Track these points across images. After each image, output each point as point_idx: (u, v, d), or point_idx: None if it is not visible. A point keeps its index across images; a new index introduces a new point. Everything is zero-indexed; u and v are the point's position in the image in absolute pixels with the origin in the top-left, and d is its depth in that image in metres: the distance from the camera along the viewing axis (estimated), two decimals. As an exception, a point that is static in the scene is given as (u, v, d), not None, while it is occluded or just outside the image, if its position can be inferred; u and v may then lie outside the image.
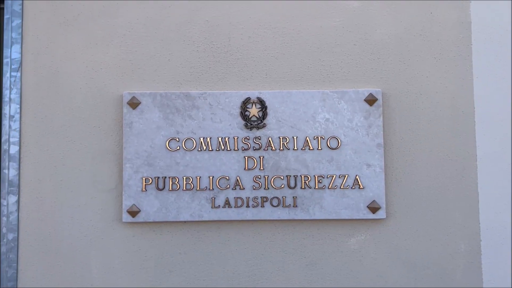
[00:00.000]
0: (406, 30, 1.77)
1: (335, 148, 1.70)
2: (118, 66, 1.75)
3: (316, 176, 1.69)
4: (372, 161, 1.69)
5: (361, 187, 1.69)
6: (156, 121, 1.72)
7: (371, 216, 1.69)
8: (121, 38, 1.76)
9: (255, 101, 1.72)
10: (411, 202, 1.72)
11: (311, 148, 1.70)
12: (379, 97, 1.71)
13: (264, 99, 1.72)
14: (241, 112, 1.72)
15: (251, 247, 1.71)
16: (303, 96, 1.72)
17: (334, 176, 1.69)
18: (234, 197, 1.69)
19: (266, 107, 1.72)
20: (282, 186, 1.70)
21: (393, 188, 1.72)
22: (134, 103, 1.71)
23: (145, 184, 1.69)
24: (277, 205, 1.69)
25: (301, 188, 1.69)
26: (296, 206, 1.69)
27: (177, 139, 1.71)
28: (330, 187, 1.69)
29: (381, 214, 1.69)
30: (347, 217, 1.69)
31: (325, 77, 1.75)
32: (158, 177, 1.70)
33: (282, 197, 1.69)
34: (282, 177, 1.70)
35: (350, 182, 1.69)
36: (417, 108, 1.75)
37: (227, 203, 1.69)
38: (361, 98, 1.72)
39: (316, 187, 1.69)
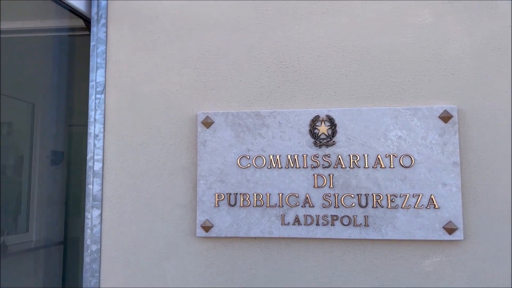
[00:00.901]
0: (482, 45, 1.71)
1: (408, 167, 1.66)
2: (193, 88, 1.84)
3: (389, 195, 1.66)
4: (448, 180, 1.63)
5: (437, 206, 1.63)
6: (228, 139, 1.78)
7: (447, 237, 1.62)
8: (195, 61, 1.85)
9: (324, 119, 1.73)
10: (490, 223, 1.64)
11: (383, 166, 1.68)
12: (454, 113, 1.66)
13: (334, 117, 1.73)
14: (310, 130, 1.74)
15: (321, 265, 1.71)
16: (374, 113, 1.71)
17: (408, 195, 1.65)
18: (304, 215, 1.70)
19: (335, 125, 1.72)
20: (353, 204, 1.68)
21: (471, 208, 1.65)
22: (207, 122, 1.79)
23: (217, 200, 1.75)
24: (348, 224, 1.68)
25: (372, 207, 1.67)
26: (368, 225, 1.67)
27: (248, 157, 1.76)
28: (403, 206, 1.65)
29: (458, 235, 1.62)
30: (421, 238, 1.63)
31: (396, 94, 1.72)
32: (230, 194, 1.75)
33: (353, 216, 1.68)
34: (352, 195, 1.69)
35: (425, 201, 1.64)
36: (495, 124, 1.67)
37: (296, 221, 1.70)
38: (435, 115, 1.67)
39: (389, 207, 1.66)
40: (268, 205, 1.73)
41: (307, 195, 1.71)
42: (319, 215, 1.69)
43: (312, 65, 1.79)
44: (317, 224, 1.69)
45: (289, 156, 1.74)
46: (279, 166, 1.74)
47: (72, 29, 2.23)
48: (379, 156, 1.68)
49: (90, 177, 1.85)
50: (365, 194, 1.68)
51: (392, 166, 1.67)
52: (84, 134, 1.89)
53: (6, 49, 2.67)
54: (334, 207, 1.69)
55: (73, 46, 2.31)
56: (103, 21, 1.93)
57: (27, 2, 2.18)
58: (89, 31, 1.96)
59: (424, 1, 1.76)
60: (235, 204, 1.74)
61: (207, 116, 1.80)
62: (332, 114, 1.73)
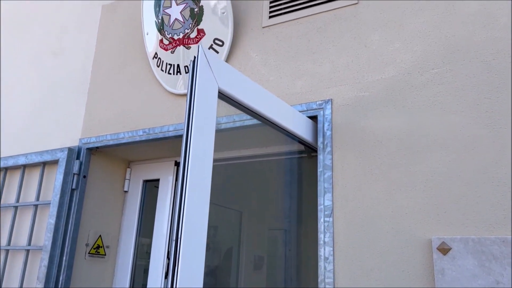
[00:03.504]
0: None
1: None
2: (423, 211, 1.80)
3: None
4: None
5: None
6: (471, 268, 1.63)
7: None
8: (423, 183, 1.83)
9: None
10: None
11: None
12: None
13: None
14: None
15: None
16: None
17: None
18: None
19: None
20: None
21: None
22: (444, 249, 1.69)
23: None
24: None
25: None
26: None
27: (498, 290, 1.56)
28: None
29: None
30: None
31: None
32: (480, 333, 1.55)
33: None
34: None
35: None
36: None
37: None
38: None
39: None
40: None
41: None
42: None
43: None
44: None
45: (554, 293, 1.48)
46: (542, 305, 1.49)
47: (293, 152, 2.49)
48: None
49: (321, 300, 1.90)
50: None
51: None
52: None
53: (229, 171, 3.11)
54: None
55: (287, 168, 2.55)
56: (328, 149, 2.10)
57: (257, 134, 2.55)
58: (305, 153, 2.16)
59: None
60: None
61: (443, 242, 1.70)
62: None
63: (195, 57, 1.60)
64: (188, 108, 1.59)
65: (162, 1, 2.65)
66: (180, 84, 2.62)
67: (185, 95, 2.60)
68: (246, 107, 1.82)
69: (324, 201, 2.04)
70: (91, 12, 3.22)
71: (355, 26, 2.19)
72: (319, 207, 2.04)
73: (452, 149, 1.81)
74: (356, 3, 2.22)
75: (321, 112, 2.17)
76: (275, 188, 2.98)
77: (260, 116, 1.91)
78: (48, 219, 2.65)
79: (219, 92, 1.67)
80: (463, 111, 1.83)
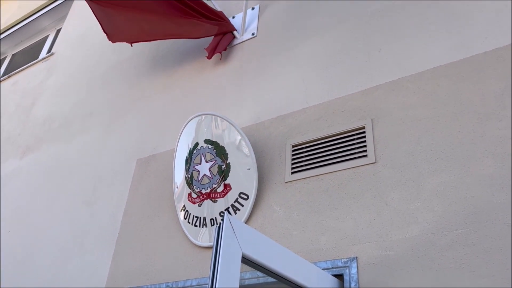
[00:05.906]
0: None
1: None
2: None
3: None
4: None
5: None
6: None
7: None
8: None
9: None
10: None
11: None
12: None
13: None
14: None
15: None
16: None
17: None
18: None
19: None
20: None
21: None
22: None
23: None
24: None
25: None
26: None
27: None
28: None
29: None
30: None
31: None
32: None
33: None
34: None
35: None
36: None
37: None
38: None
39: None
40: None
41: None
42: None
43: None
44: None
45: None
46: None
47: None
48: None
49: None
50: None
51: None
52: None
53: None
54: None
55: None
56: (356, 311, 2.01)
57: None
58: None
59: None
60: None
61: None
62: None
63: (220, 223, 1.67)
64: (212, 273, 1.61)
65: (193, 158, 2.86)
66: (205, 236, 2.67)
67: (210, 247, 2.63)
68: (269, 270, 1.82)
69: None
70: (126, 165, 3.48)
71: (375, 184, 2.28)
72: None
73: (488, 318, 1.71)
74: (375, 162, 2.34)
75: (347, 270, 2.14)
76: None
77: (285, 278, 1.89)
78: None
79: (242, 257, 1.70)
80: (493, 275, 1.77)
